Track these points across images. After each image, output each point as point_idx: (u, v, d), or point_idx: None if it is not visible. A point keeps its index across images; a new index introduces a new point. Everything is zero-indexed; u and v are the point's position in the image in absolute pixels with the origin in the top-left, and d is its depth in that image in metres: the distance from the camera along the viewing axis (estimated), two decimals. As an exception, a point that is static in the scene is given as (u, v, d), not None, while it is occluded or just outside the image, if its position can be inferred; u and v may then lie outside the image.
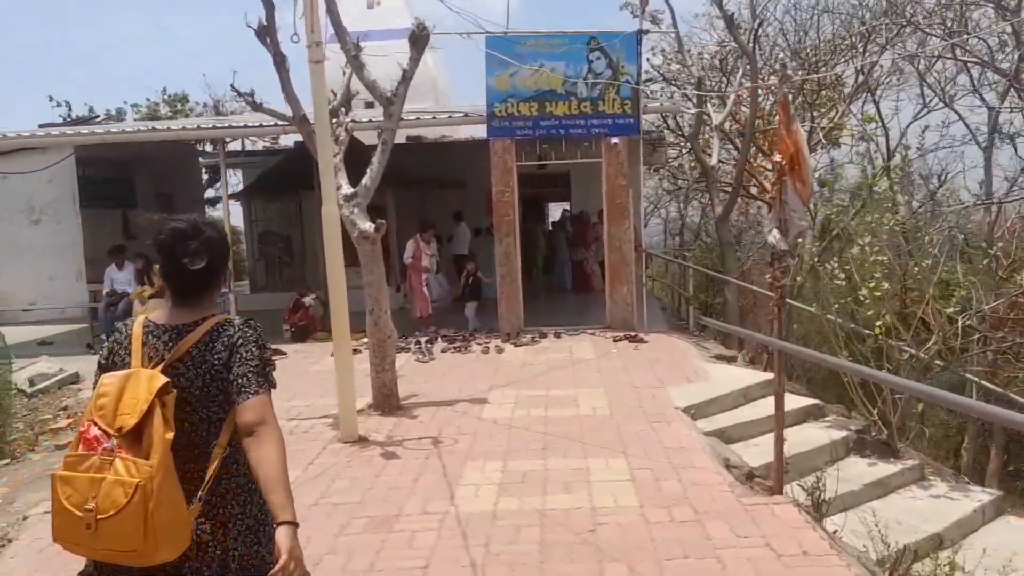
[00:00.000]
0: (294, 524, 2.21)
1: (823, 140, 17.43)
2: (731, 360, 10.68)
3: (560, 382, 8.90)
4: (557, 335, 11.70)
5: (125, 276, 12.94)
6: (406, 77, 8.14)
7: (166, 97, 23.88)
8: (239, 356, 2.37)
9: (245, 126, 12.12)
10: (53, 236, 15.76)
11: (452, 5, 10.20)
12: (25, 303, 15.66)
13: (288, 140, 16.25)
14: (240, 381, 2.34)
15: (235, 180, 24.51)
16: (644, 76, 12.82)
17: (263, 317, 14.39)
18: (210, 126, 12.73)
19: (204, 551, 2.31)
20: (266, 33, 7.68)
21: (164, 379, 2.28)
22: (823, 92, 17.05)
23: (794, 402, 8.55)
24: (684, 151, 19.86)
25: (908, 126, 20.40)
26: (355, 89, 9.32)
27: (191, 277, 2.44)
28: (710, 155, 14.97)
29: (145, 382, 2.26)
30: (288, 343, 12.04)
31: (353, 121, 8.54)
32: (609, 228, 12.01)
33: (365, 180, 8.01)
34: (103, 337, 12.58)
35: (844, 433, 7.92)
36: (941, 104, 18.64)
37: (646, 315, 12.10)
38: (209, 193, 23.38)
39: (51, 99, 22.93)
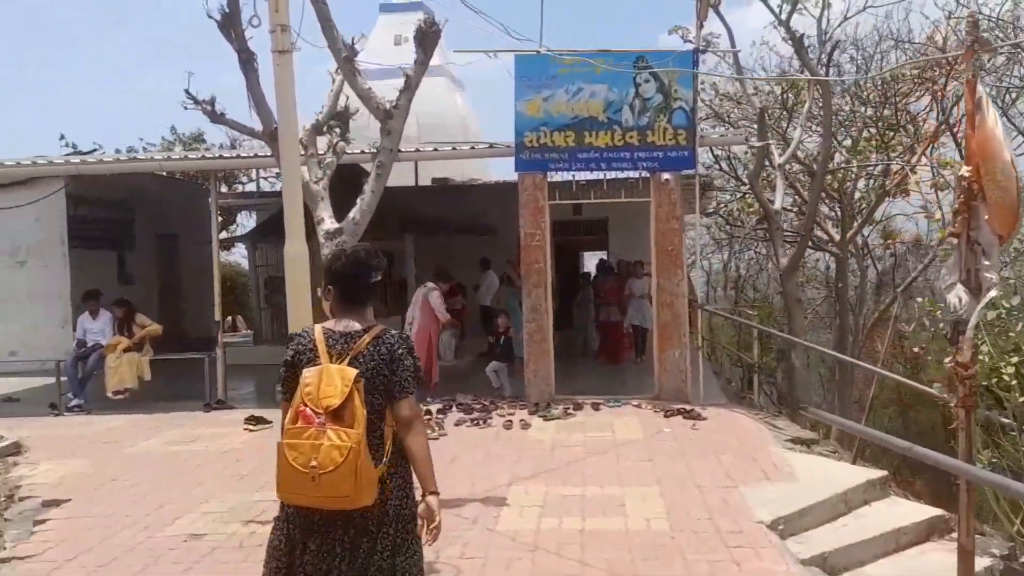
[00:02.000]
0: (438, 493, 3.04)
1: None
2: (811, 444, 8.66)
3: (601, 474, 6.95)
4: (595, 407, 9.74)
5: (99, 326, 11.29)
6: (410, 85, 6.46)
7: (180, 136, 22.56)
8: (400, 364, 3.03)
9: (237, 156, 10.51)
10: (39, 280, 14.23)
11: (481, 14, 8.54)
12: (5, 352, 14.08)
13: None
14: (401, 383, 3.03)
15: (252, 223, 23.15)
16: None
17: (262, 372, 12.40)
18: (198, 157, 11.17)
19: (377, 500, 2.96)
20: (230, 24, 6.04)
21: (355, 370, 2.94)
22: (896, 133, 15.16)
23: (910, 512, 6.54)
24: (738, 195, 17.98)
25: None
26: (355, 107, 7.64)
27: (367, 289, 3.14)
28: (771, 199, 13.08)
29: (338, 373, 2.93)
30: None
31: (344, 140, 6.84)
32: (658, 279, 10.12)
33: (353, 213, 6.28)
34: (70, 396, 10.91)
35: (986, 561, 5.87)
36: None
37: (702, 384, 10.12)
38: (222, 235, 21.89)
39: (62, 138, 21.78)
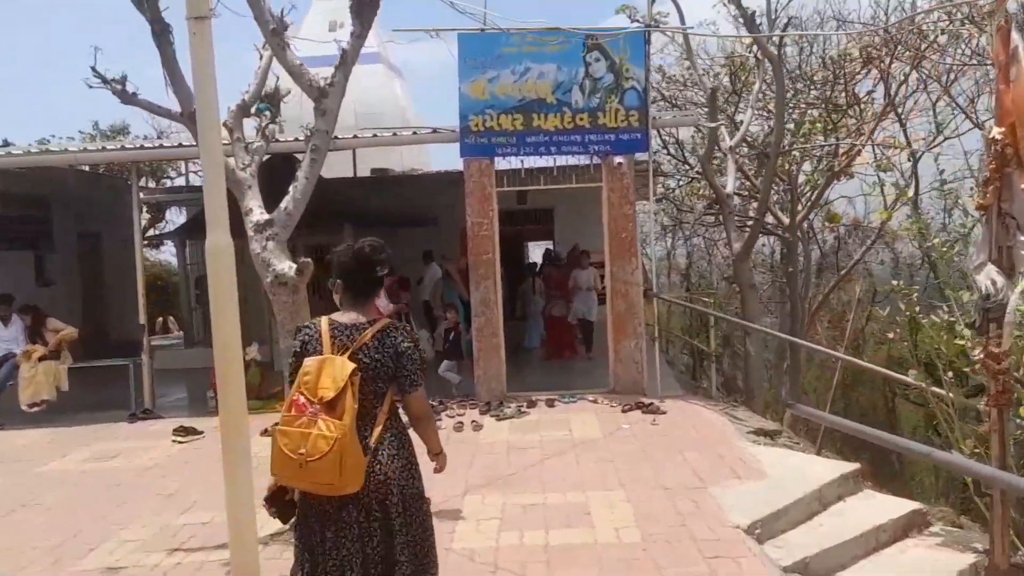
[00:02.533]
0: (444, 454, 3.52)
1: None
2: (774, 436, 8.36)
3: (561, 479, 6.49)
4: (550, 403, 9.28)
5: (11, 333, 10.39)
6: (346, 60, 5.88)
7: (102, 130, 21.27)
8: (408, 358, 3.23)
9: (159, 147, 9.74)
10: (-53, 283, 13.20)
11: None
12: (-88, 363, 12.99)
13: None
14: (411, 378, 3.23)
15: (182, 219, 22.10)
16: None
17: (194, 377, 11.51)
18: (117, 148, 10.33)
19: (371, 480, 3.13)
20: (142, -7, 5.38)
21: (353, 365, 3.12)
22: (846, 115, 14.99)
23: (888, 507, 6.25)
24: (686, 180, 17.66)
25: (922, 153, 18.16)
26: (287, 87, 7.01)
27: (372, 283, 3.33)
28: (722, 183, 12.77)
29: (339, 366, 3.10)
30: (213, 414, 9.38)
31: (274, 123, 6.23)
32: (612, 267, 9.70)
33: (286, 203, 5.68)
34: (-19, 412, 10.00)
35: (969, 558, 5.58)
36: (969, 128, 16.46)
37: (659, 375, 9.74)
38: (150, 233, 20.82)
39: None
